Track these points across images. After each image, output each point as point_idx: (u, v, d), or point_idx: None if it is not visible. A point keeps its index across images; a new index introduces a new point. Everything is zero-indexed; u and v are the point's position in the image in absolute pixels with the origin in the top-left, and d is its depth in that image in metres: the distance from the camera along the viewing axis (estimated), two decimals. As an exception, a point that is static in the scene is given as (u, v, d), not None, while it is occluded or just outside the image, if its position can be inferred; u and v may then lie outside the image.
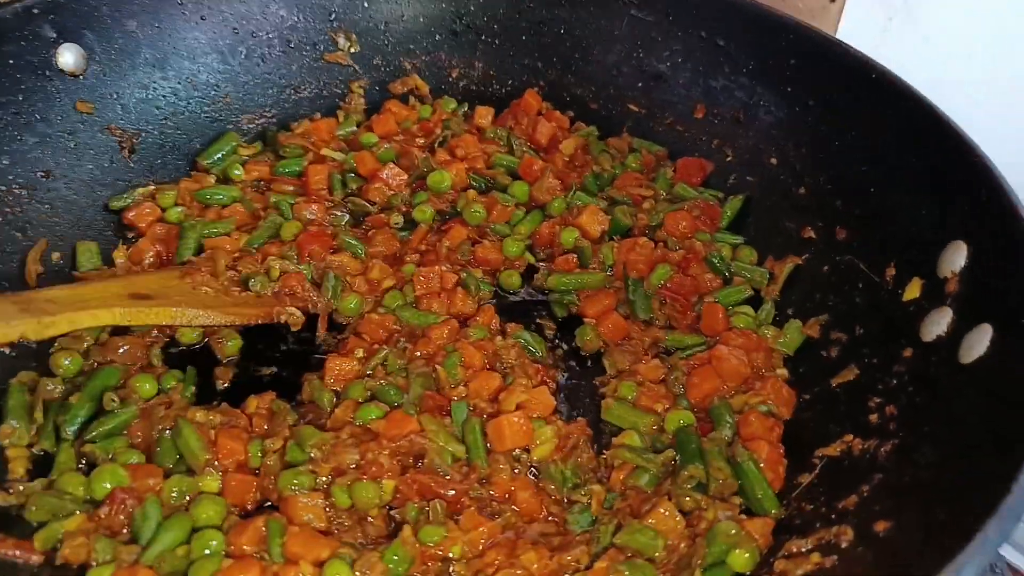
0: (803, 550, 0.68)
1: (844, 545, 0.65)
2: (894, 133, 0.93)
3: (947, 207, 0.83)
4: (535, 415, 0.87)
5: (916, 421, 0.73)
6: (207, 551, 0.71)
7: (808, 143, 1.04)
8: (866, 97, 0.97)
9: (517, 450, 0.85)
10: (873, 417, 0.77)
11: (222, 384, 0.94)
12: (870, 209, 0.94)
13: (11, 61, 0.99)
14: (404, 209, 1.12)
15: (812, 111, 1.04)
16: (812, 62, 1.04)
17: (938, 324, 0.77)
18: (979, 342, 0.70)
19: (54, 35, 1.03)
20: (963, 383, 0.70)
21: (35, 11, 1.01)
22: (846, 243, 0.96)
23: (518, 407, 0.86)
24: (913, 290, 0.83)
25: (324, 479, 0.80)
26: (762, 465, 0.79)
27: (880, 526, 0.64)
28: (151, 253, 1.03)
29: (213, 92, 1.19)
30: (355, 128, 1.24)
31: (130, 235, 1.06)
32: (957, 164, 0.83)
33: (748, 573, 0.71)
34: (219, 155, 1.15)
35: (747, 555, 0.71)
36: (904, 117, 0.92)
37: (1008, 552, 0.94)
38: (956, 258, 0.79)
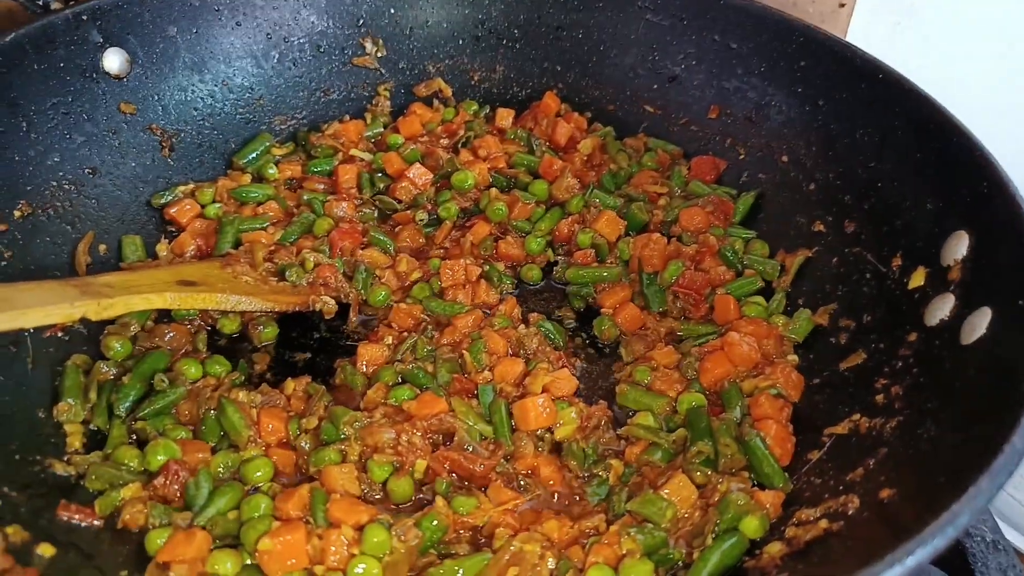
0: (812, 518, 0.72)
1: (851, 512, 0.69)
2: (900, 130, 0.97)
3: (950, 199, 0.87)
4: (559, 396, 0.92)
5: (920, 399, 0.77)
6: (256, 514, 0.76)
7: (818, 141, 1.09)
8: (873, 96, 1.01)
9: (540, 430, 0.89)
10: (880, 397, 0.82)
11: (260, 369, 0.99)
12: (877, 203, 0.98)
13: (61, 64, 1.05)
14: (429, 207, 1.18)
15: (821, 110, 1.09)
16: (821, 63, 1.08)
17: (941, 309, 0.81)
18: (979, 324, 0.74)
19: (100, 39, 1.09)
20: (964, 362, 0.74)
21: (84, 17, 1.07)
22: (854, 236, 1.00)
23: (544, 390, 0.91)
24: (918, 279, 0.87)
25: (355, 457, 0.85)
26: (770, 442, 0.83)
27: (884, 493, 0.68)
28: (192, 246, 1.09)
29: (247, 94, 1.25)
30: (382, 129, 1.29)
31: (171, 229, 1.12)
32: (960, 158, 0.87)
33: (760, 539, 0.75)
34: (253, 155, 1.21)
35: (757, 522, 0.75)
36: (909, 114, 0.96)
37: (1015, 537, 0.98)
38: (959, 247, 0.83)
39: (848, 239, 1.01)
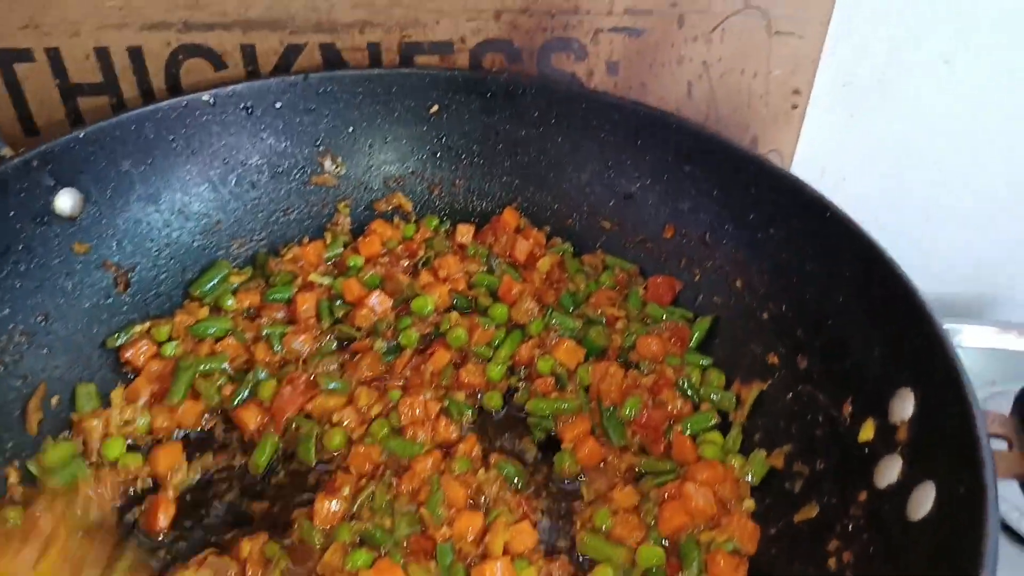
0: None
1: None
2: (845, 269, 0.99)
3: (895, 348, 0.89)
4: (519, 552, 0.92)
5: (869, 571, 0.77)
6: None
7: (770, 269, 1.11)
8: (819, 231, 1.03)
9: (501, 591, 0.89)
10: (831, 561, 0.82)
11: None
12: (828, 341, 1.00)
13: (12, 213, 1.04)
14: (389, 334, 1.18)
15: (772, 239, 1.10)
16: (770, 193, 1.10)
17: (890, 471, 0.82)
18: (925, 500, 0.75)
19: (52, 182, 1.08)
20: (911, 540, 0.75)
21: (34, 163, 1.06)
22: (807, 372, 1.01)
23: (504, 549, 0.91)
24: (868, 431, 0.88)
25: None
26: (729, 607, 0.83)
27: None
28: (147, 392, 1.07)
29: (204, 220, 1.24)
30: (342, 249, 1.29)
31: (127, 372, 1.11)
32: (900, 308, 0.88)
33: None
34: (211, 284, 1.20)
35: None
36: (855, 255, 0.98)
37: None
38: (905, 406, 0.84)
39: (801, 375, 1.02)
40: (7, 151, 1.07)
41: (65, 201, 1.10)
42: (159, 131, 1.19)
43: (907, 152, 1.42)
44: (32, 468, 0.97)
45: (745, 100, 1.34)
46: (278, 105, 1.27)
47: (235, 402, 1.08)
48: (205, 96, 1.21)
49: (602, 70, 1.32)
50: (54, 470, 0.96)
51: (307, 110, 1.29)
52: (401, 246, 1.30)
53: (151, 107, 1.17)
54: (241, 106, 1.25)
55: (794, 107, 1.36)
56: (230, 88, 1.23)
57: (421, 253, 1.28)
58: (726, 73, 1.31)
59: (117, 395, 1.06)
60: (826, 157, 1.41)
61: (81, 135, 1.11)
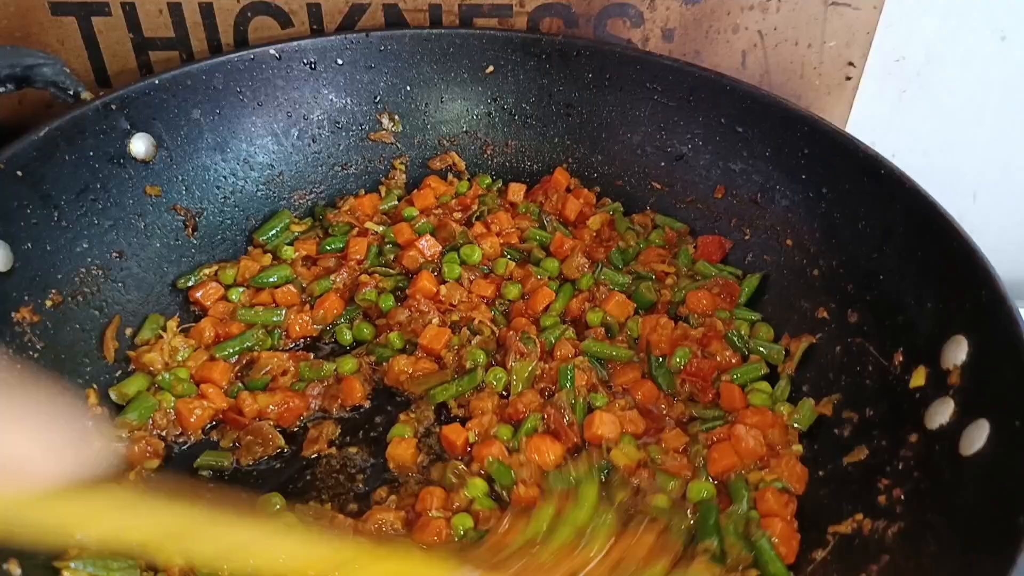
0: (817, 628, 0.75)
1: (855, 625, 0.73)
2: (901, 226, 1.01)
3: (950, 302, 0.90)
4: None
5: (920, 508, 0.80)
6: None
7: (821, 228, 1.12)
8: (874, 190, 1.05)
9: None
10: (882, 499, 0.85)
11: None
12: (880, 295, 1.01)
13: (91, 153, 1.09)
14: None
15: (825, 198, 1.12)
16: (824, 153, 1.12)
17: (941, 413, 0.84)
18: (978, 437, 0.77)
19: (128, 126, 1.13)
20: (963, 476, 0.77)
21: (112, 106, 1.11)
22: (857, 326, 1.03)
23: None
24: (919, 378, 0.90)
25: None
26: (776, 541, 0.86)
27: (889, 608, 0.71)
28: (210, 333, 1.11)
29: (268, 171, 1.29)
30: (396, 203, 1.33)
31: (195, 311, 1.16)
32: (959, 264, 0.90)
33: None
34: (273, 232, 1.24)
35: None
36: (910, 212, 0.99)
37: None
38: (958, 352, 0.86)
39: (851, 328, 1.04)
40: (87, 94, 1.11)
41: (139, 145, 1.15)
42: (227, 82, 1.23)
43: (959, 130, 1.42)
44: (114, 396, 1.02)
45: (798, 71, 1.35)
46: (340, 62, 1.31)
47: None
48: (272, 50, 1.25)
49: (658, 36, 1.33)
50: (132, 403, 1.01)
51: (367, 67, 1.32)
52: (454, 200, 1.33)
53: (221, 58, 1.22)
54: (305, 61, 1.29)
55: (848, 79, 1.37)
56: (295, 43, 1.27)
57: (474, 208, 1.31)
58: (781, 43, 1.32)
59: (172, 324, 1.11)
60: (877, 132, 1.40)
61: (156, 81, 1.15)
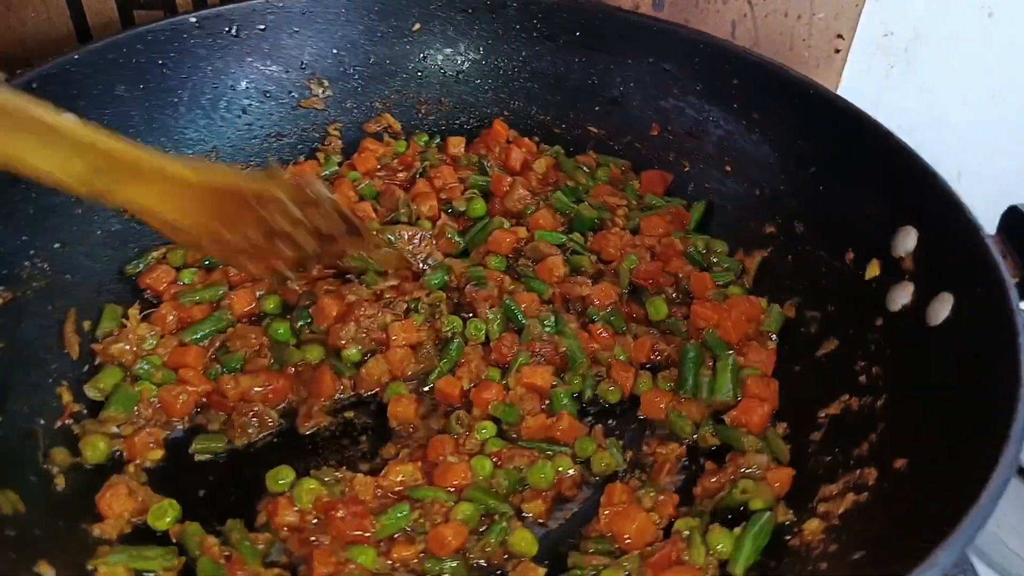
0: (837, 493, 0.83)
1: (871, 483, 0.81)
2: (836, 140, 1.10)
3: (893, 200, 1.01)
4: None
5: (901, 377, 0.89)
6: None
7: (758, 153, 1.21)
8: (806, 110, 1.14)
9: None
10: (862, 378, 0.94)
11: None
12: (823, 205, 1.11)
13: (15, 137, 1.00)
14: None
15: (759, 124, 1.20)
16: (754, 82, 1.20)
17: (903, 296, 0.94)
18: (943, 309, 0.87)
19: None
20: (934, 342, 0.87)
21: (33, 85, 1.02)
22: (805, 235, 1.12)
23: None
24: (873, 269, 1.00)
25: None
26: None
27: (899, 463, 0.80)
28: (173, 317, 1.06)
29: (200, 147, 1.23)
30: (337, 168, 1.30)
31: (149, 297, 1.10)
32: (898, 164, 1.00)
33: (790, 521, 0.85)
34: (218, 208, 1.19)
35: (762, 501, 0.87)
36: (843, 126, 1.09)
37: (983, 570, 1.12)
38: (906, 241, 0.96)
39: (800, 238, 1.13)
40: (2, 74, 1.02)
41: (65, 126, 1.06)
42: (149, 55, 1.16)
43: (945, 107, 1.46)
44: (90, 393, 0.95)
45: (787, 43, 1.39)
46: (262, 27, 1.26)
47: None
48: (192, 18, 1.19)
49: (648, 4, 1.36)
50: (112, 396, 0.95)
51: (291, 32, 1.29)
52: (395, 160, 1.32)
53: (139, 29, 1.15)
54: (226, 29, 1.23)
55: (836, 51, 1.41)
56: (215, 10, 1.21)
57: (417, 165, 1.31)
58: (770, 14, 1.36)
59: (135, 311, 1.05)
60: (865, 107, 1.42)
61: (76, 56, 1.07)
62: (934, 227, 0.94)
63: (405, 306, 1.09)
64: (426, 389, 1.04)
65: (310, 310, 1.08)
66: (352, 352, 1.05)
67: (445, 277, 1.13)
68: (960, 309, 0.86)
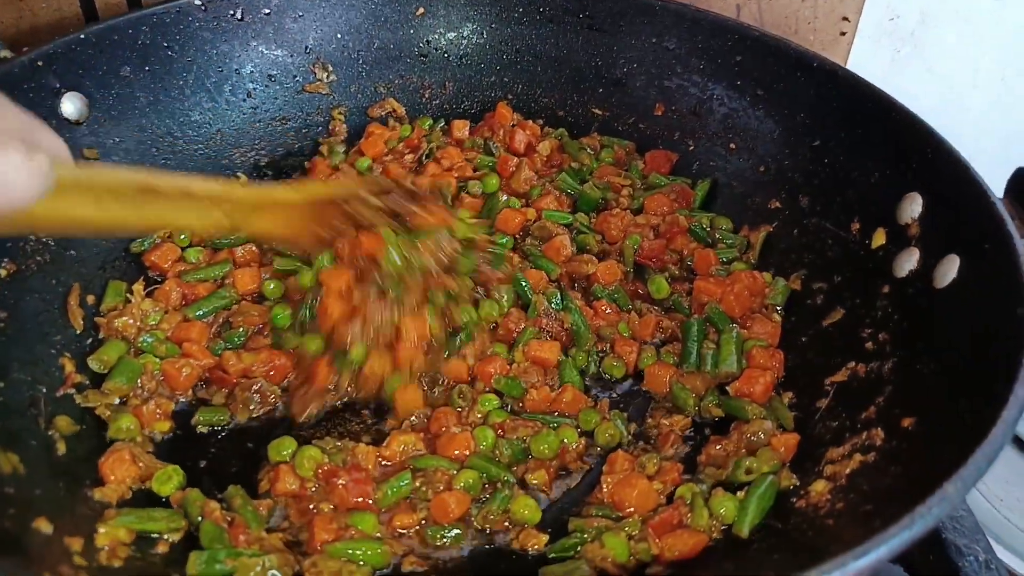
0: (843, 455, 0.82)
1: (879, 443, 0.80)
2: (837, 111, 1.09)
3: (897, 167, 1.00)
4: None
5: (909, 340, 0.88)
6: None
7: (762, 129, 1.20)
8: (809, 84, 1.13)
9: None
10: (869, 344, 0.93)
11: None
12: (827, 178, 1.10)
13: (21, 114, 1.01)
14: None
15: (763, 100, 1.20)
16: (757, 58, 1.20)
17: (909, 261, 0.93)
18: (950, 270, 0.86)
19: (57, 84, 1.06)
20: (942, 303, 0.86)
21: (39, 63, 1.03)
22: (810, 208, 1.12)
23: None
24: (879, 238, 0.99)
25: None
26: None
27: (906, 422, 0.78)
28: (177, 294, 1.06)
29: (204, 130, 1.23)
30: (343, 156, 1.30)
31: (154, 276, 1.10)
32: (901, 130, 1.00)
33: (796, 485, 0.84)
34: (223, 189, 1.19)
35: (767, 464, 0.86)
36: (845, 97, 1.09)
37: (1008, 557, 1.10)
38: (912, 207, 0.96)
39: (805, 211, 1.12)
40: (6, 52, 1.03)
41: (70, 105, 1.08)
42: (154, 37, 1.17)
43: (952, 92, 1.44)
44: (94, 365, 0.96)
45: (793, 25, 1.39)
46: (267, 11, 1.27)
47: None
48: (197, 1, 1.20)
49: None
50: (116, 368, 0.95)
51: (296, 16, 1.30)
52: (402, 144, 1.32)
53: (145, 11, 1.16)
54: (231, 12, 1.24)
55: (842, 34, 1.40)
56: (220, -7, 1.22)
57: (423, 147, 1.31)
58: None
59: (139, 287, 1.05)
60: None
61: (82, 36, 1.08)
62: (941, 191, 0.93)
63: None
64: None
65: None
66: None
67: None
68: (967, 269, 0.85)
